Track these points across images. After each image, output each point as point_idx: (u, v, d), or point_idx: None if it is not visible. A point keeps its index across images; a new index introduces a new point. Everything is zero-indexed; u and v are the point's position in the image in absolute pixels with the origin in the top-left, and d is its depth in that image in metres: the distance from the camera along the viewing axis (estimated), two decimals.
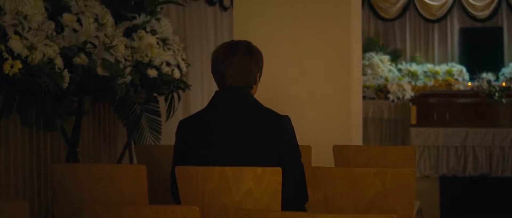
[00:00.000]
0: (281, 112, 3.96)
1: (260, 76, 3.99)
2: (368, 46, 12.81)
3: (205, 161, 3.76)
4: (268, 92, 5.06)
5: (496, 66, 12.59)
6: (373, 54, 12.53)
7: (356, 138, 5.89)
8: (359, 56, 6.38)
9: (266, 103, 3.95)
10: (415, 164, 4.50)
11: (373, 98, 11.91)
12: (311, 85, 5.64)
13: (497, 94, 10.38)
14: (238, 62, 3.84)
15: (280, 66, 5.54)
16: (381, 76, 12.24)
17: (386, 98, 11.76)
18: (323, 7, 5.67)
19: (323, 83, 5.65)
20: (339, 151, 4.69)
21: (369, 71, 12.30)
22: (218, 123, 3.83)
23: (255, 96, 3.95)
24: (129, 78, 5.01)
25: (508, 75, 12.08)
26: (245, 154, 3.76)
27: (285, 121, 3.83)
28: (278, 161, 3.76)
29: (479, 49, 13.10)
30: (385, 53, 12.80)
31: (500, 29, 13.07)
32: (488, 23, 13.09)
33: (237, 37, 5.71)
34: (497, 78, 12.16)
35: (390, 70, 12.47)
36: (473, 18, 13.02)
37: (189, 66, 8.39)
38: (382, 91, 11.91)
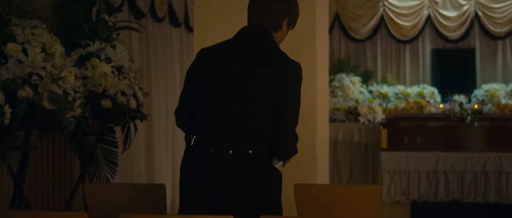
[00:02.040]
0: None
1: (288, 25, 4.07)
2: (339, 67, 12.58)
3: (210, 86, 3.87)
4: None
5: (468, 88, 12.40)
6: (343, 75, 12.31)
7: (322, 171, 5.65)
8: (325, 79, 6.15)
9: None
10: (381, 206, 4.24)
11: (344, 121, 11.67)
12: None
13: (469, 118, 10.21)
14: (268, 2, 3.97)
15: None
16: (351, 98, 12.01)
17: (357, 121, 11.54)
18: None
19: None
20: (301, 190, 4.43)
21: (339, 93, 12.08)
22: (229, 57, 3.93)
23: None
24: (79, 111, 4.72)
25: (480, 98, 11.89)
26: (246, 91, 3.82)
27: (294, 67, 3.89)
28: (273, 105, 3.83)
29: (451, 71, 12.92)
30: (356, 74, 12.57)
31: (472, 50, 12.88)
32: (460, 44, 12.89)
33: None
34: (469, 100, 11.96)
35: (361, 92, 12.24)
36: (445, 39, 12.82)
37: (153, 91, 8.18)
38: (352, 114, 11.69)
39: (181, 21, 9.25)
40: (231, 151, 3.81)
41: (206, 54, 4.03)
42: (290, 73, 3.87)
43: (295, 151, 3.97)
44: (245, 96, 3.82)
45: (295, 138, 3.95)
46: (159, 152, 8.33)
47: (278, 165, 3.97)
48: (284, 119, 3.84)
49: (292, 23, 4.10)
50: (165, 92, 8.65)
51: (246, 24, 4.31)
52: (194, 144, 3.89)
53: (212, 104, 3.87)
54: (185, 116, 3.98)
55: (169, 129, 8.65)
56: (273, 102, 3.81)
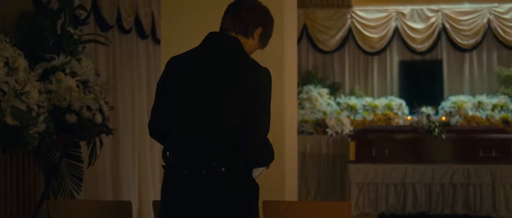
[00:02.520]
0: None
1: (260, 38, 3.99)
2: (307, 79, 12.56)
3: (178, 98, 3.78)
4: None
5: (435, 99, 12.45)
6: (311, 87, 12.28)
7: (290, 186, 5.58)
8: (294, 92, 6.09)
9: None
10: None
11: (311, 133, 11.64)
12: None
13: (436, 130, 10.21)
14: (237, 13, 3.91)
15: None
16: (319, 110, 11.98)
17: (325, 133, 11.51)
18: None
19: None
20: (270, 207, 4.36)
21: (307, 105, 12.05)
22: (196, 64, 3.83)
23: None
24: (43, 126, 4.61)
25: (447, 110, 11.93)
26: (213, 99, 3.72)
27: (262, 73, 3.78)
28: (241, 112, 3.72)
29: (418, 82, 12.96)
30: (324, 86, 12.55)
31: (440, 62, 12.93)
32: (428, 56, 12.94)
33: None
34: (437, 112, 12.00)
35: (328, 104, 12.22)
36: (412, 51, 12.84)
37: (119, 104, 8.07)
38: (320, 126, 11.66)
39: (148, 33, 9.16)
40: (204, 171, 3.72)
41: (172, 64, 3.93)
42: (258, 80, 3.75)
43: (271, 158, 3.87)
44: (213, 107, 3.72)
45: (267, 145, 3.83)
46: (126, 168, 8.20)
47: (257, 172, 3.90)
48: (254, 127, 3.73)
49: (264, 37, 4.02)
50: (132, 106, 8.52)
51: None
52: (170, 162, 3.83)
53: (181, 118, 3.78)
54: (156, 129, 3.91)
55: (136, 143, 8.53)
56: (242, 111, 3.70)
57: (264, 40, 4.04)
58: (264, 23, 3.98)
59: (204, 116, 3.74)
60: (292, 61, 5.97)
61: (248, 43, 3.95)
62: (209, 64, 3.82)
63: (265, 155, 3.85)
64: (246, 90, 3.71)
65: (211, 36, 3.94)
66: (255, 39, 3.97)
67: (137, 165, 8.53)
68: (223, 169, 3.71)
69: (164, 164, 3.86)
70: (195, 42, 5.42)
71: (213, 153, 3.72)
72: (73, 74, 5.32)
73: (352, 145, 10.53)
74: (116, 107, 7.43)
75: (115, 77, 8.13)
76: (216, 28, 4.01)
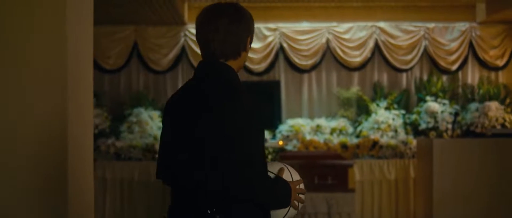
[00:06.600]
0: None
1: (251, 41, 3.47)
2: (137, 100, 11.77)
3: (163, 148, 3.38)
4: None
5: (273, 123, 11.90)
6: (142, 109, 11.52)
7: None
8: (89, 115, 5.35)
9: None
10: None
11: (140, 159, 10.88)
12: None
13: (269, 157, 9.64)
14: (225, 26, 3.33)
15: None
16: (150, 134, 11.25)
17: (154, 159, 10.75)
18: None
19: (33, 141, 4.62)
20: None
21: (136, 129, 11.28)
22: (179, 105, 3.36)
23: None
24: None
25: (285, 133, 11.40)
26: (186, 146, 3.23)
27: (234, 106, 3.18)
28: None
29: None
30: (155, 108, 11.79)
31: (278, 83, 12.40)
32: (265, 77, 12.39)
33: None
34: (274, 136, 11.46)
35: (159, 128, 11.48)
36: (249, 71, 12.26)
37: None
38: (150, 151, 10.92)
39: None
40: None
41: (169, 99, 3.53)
42: (230, 114, 3.17)
43: (254, 193, 3.24)
44: (185, 142, 3.28)
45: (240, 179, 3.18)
46: None
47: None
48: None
49: (252, 37, 3.50)
50: None
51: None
52: None
53: None
54: None
55: None
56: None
57: (251, 40, 3.51)
58: (252, 28, 3.46)
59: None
60: (86, 84, 5.22)
61: (241, 59, 3.44)
62: (186, 107, 3.36)
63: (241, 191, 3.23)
64: (216, 130, 3.20)
65: (199, 68, 3.46)
66: (247, 49, 3.47)
67: None
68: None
69: None
70: None
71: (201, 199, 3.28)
72: None
73: None
74: None
75: None
76: None
